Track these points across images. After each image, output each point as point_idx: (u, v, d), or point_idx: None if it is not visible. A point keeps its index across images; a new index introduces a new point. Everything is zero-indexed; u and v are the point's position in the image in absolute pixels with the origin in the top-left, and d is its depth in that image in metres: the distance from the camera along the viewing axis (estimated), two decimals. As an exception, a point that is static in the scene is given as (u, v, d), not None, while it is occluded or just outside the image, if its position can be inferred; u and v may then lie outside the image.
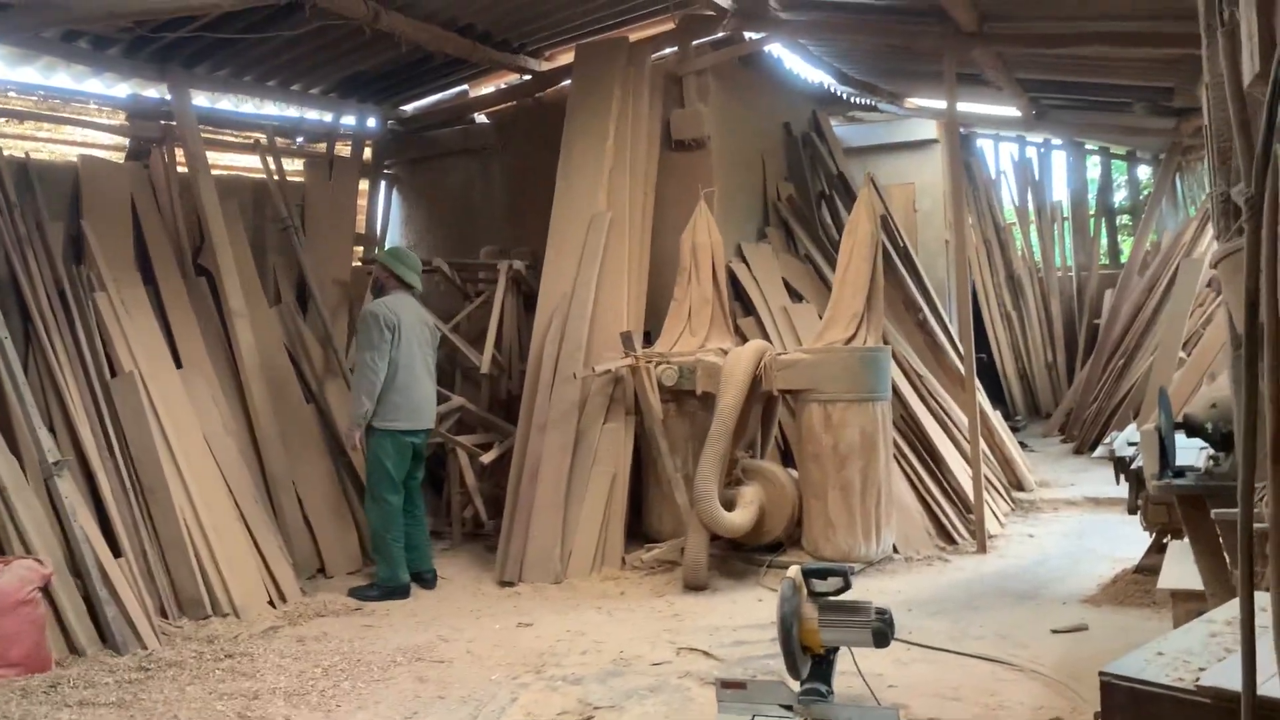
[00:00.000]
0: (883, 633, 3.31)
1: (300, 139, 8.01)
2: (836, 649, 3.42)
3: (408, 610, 5.47)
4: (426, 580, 5.90)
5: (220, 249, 6.24)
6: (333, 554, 6.22)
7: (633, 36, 7.17)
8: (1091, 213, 12.53)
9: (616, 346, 6.11)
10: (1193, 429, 3.52)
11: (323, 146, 7.98)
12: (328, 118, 7.93)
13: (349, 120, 8.06)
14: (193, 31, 5.86)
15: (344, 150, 8.00)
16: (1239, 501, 1.56)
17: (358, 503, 6.37)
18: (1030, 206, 12.38)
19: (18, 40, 5.63)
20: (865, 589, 4.90)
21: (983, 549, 6.05)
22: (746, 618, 4.93)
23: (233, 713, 3.90)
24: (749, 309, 7.10)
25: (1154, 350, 9.13)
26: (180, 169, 6.45)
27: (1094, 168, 13.12)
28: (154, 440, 5.35)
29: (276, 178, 7.04)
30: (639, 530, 6.34)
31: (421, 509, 6.07)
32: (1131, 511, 4.94)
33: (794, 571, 3.39)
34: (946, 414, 7.14)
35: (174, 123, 6.45)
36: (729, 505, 5.59)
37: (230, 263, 6.27)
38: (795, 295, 7.31)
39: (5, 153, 5.59)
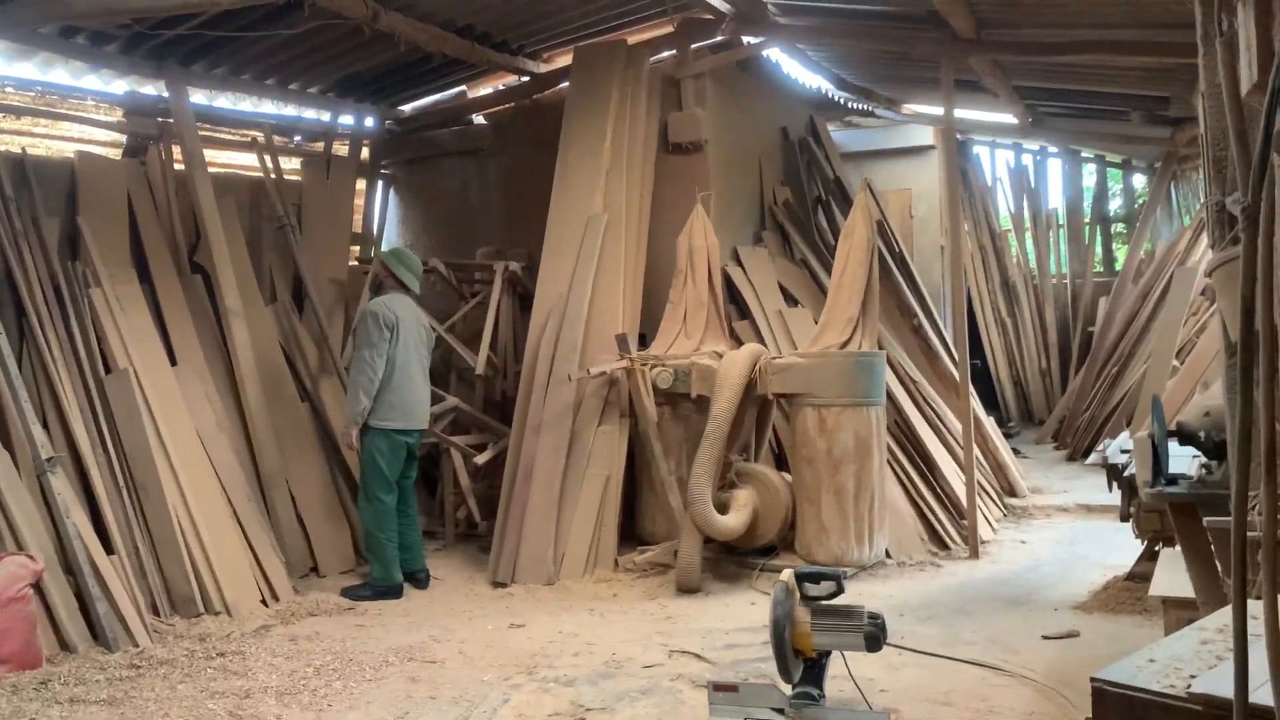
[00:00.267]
0: (875, 637, 3.32)
1: (298, 138, 8.01)
2: (829, 653, 3.43)
3: (400, 610, 5.46)
4: (419, 580, 5.89)
5: (216, 247, 6.23)
6: (326, 553, 6.21)
7: (631, 39, 7.17)
8: (1086, 220, 12.57)
9: (612, 348, 6.11)
10: (1186, 437, 3.54)
11: (320, 145, 7.98)
12: (325, 117, 7.92)
13: (347, 119, 8.05)
14: (191, 29, 5.86)
15: (341, 149, 8.00)
16: (1232, 509, 1.57)
17: (351, 502, 6.36)
18: (1025, 213, 12.42)
19: (15, 36, 5.61)
20: (858, 593, 4.90)
21: (975, 554, 6.07)
22: (739, 621, 4.93)
23: (224, 711, 3.89)
24: (744, 312, 7.11)
25: (1147, 358, 9.16)
26: (177, 166, 6.43)
27: (1089, 176, 13.17)
28: (147, 437, 5.33)
29: (273, 176, 7.03)
30: (632, 532, 6.34)
31: (414, 509, 6.06)
32: (1124, 519, 4.96)
33: (787, 575, 3.40)
34: (940, 419, 7.16)
35: (171, 120, 6.44)
36: (722, 508, 5.59)
37: (226, 261, 6.26)
38: (791, 299, 7.32)
39: (2, 148, 5.59)
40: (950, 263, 7.28)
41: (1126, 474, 4.71)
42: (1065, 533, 6.69)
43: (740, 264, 7.29)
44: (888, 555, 5.94)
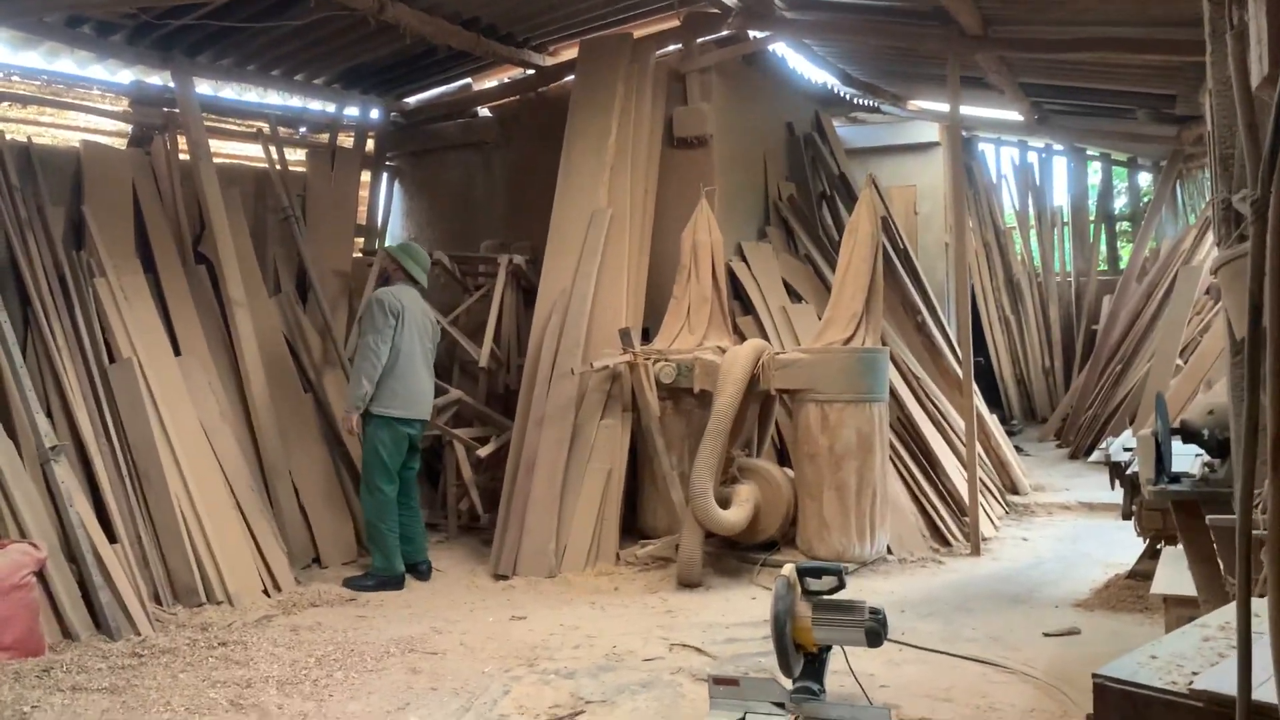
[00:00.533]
0: (876, 633, 3.31)
1: (303, 129, 8.01)
2: (829, 648, 3.43)
3: (402, 601, 5.47)
4: (421, 572, 5.90)
5: (221, 237, 6.24)
6: (328, 544, 6.22)
7: (637, 33, 7.16)
8: (1091, 218, 12.56)
9: (615, 343, 6.11)
10: (1189, 435, 3.53)
11: (325, 137, 7.98)
12: (330, 108, 7.93)
13: (352, 111, 8.05)
14: (197, 19, 5.85)
15: (346, 141, 7.99)
16: (1237, 507, 1.56)
17: (354, 493, 6.37)
18: (1030, 211, 12.41)
19: (22, 25, 5.63)
20: (859, 589, 4.90)
21: (977, 551, 6.06)
22: (740, 615, 4.94)
23: (225, 700, 3.90)
24: (748, 308, 7.10)
25: (1151, 356, 9.15)
26: (182, 156, 6.44)
27: (1095, 174, 13.14)
28: (151, 427, 5.34)
29: (278, 167, 7.03)
30: (634, 526, 6.35)
31: (416, 500, 6.07)
32: (1126, 517, 4.95)
33: (789, 570, 3.40)
34: (943, 416, 7.15)
35: (177, 110, 6.45)
36: (724, 503, 5.59)
37: (230, 251, 6.26)
38: (794, 295, 7.31)
39: (8, 137, 5.59)
40: (955, 260, 7.26)
41: (1129, 472, 4.70)
42: (1067, 530, 6.69)
43: (744, 259, 7.29)
44: (889, 551, 5.94)
